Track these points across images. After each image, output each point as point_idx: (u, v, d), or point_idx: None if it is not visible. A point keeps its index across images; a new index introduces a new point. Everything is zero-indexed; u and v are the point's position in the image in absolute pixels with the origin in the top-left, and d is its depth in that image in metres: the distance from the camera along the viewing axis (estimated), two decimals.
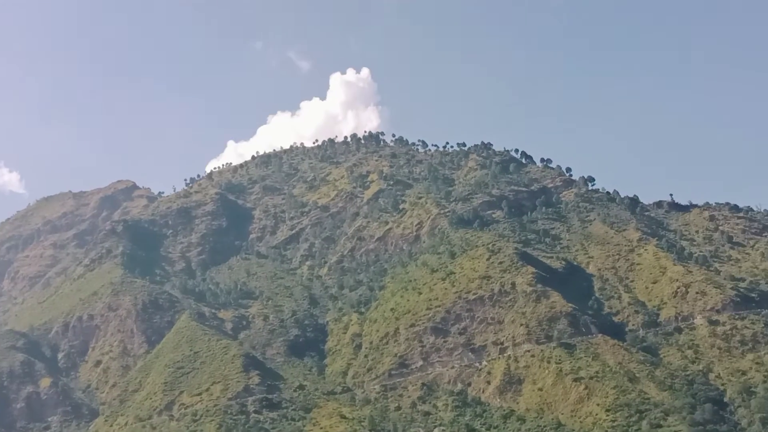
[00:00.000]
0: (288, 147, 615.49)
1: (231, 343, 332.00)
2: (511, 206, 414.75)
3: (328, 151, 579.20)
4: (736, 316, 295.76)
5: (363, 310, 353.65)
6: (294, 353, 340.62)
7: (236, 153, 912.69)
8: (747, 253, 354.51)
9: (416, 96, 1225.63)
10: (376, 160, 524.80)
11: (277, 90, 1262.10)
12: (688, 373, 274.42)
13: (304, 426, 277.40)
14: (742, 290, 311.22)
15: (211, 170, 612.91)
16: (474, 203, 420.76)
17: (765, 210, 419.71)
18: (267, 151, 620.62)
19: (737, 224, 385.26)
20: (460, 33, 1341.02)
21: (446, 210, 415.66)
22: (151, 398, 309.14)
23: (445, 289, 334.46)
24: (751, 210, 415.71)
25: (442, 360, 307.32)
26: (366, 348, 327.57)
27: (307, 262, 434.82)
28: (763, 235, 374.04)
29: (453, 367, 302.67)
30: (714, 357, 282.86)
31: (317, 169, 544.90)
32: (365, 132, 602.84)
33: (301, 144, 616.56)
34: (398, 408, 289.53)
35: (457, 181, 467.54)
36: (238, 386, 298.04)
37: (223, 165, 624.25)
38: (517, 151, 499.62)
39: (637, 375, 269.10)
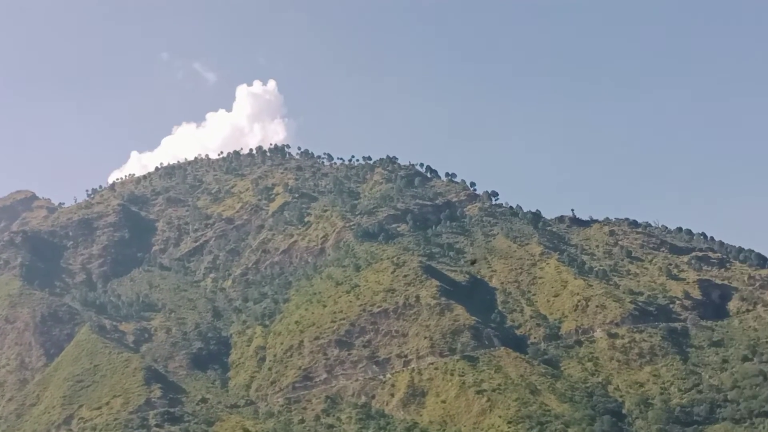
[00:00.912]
0: (192, 158, 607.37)
1: (132, 356, 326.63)
2: (415, 220, 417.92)
3: (233, 163, 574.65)
4: (635, 329, 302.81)
5: (267, 322, 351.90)
6: (197, 366, 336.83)
7: (140, 164, 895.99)
8: (645, 268, 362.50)
9: (323, 109, 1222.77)
10: (282, 173, 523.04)
11: (182, 101, 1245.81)
12: (587, 385, 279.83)
13: None
14: (640, 304, 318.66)
15: (114, 181, 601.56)
16: (379, 217, 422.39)
17: (663, 226, 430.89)
18: (171, 163, 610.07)
19: (636, 239, 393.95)
20: (366, 48, 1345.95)
21: (351, 223, 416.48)
22: (49, 412, 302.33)
23: (350, 301, 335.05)
24: (649, 225, 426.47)
25: (346, 373, 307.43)
26: (270, 361, 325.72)
27: (211, 275, 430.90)
28: (661, 250, 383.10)
29: (357, 380, 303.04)
30: (613, 369, 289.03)
31: (222, 181, 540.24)
32: (271, 144, 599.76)
33: (206, 156, 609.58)
34: (302, 421, 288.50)
35: (362, 194, 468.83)
36: (139, 399, 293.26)
37: (126, 176, 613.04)
38: (422, 165, 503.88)
39: (539, 387, 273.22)
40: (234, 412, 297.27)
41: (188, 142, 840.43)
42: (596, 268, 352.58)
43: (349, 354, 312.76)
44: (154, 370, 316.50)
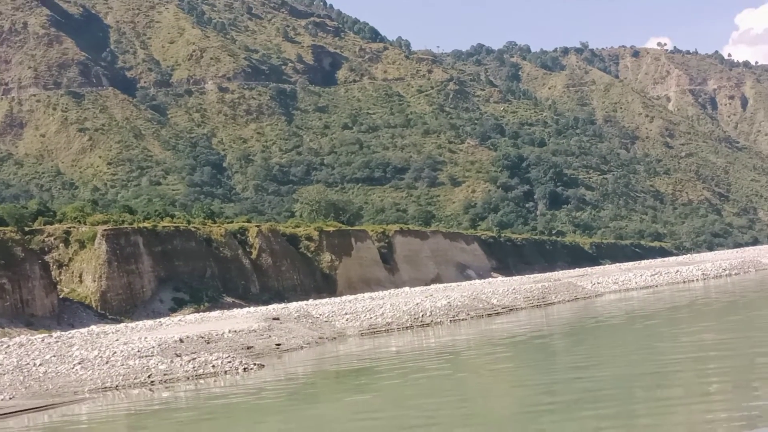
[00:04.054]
0: None
1: None
2: None
3: None
4: (245, 86, 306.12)
5: None
6: None
7: None
8: (263, 26, 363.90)
9: None
10: None
11: None
12: (193, 135, 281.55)
13: None
14: (254, 62, 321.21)
15: None
16: None
17: None
18: None
19: None
20: None
21: None
22: None
23: None
24: None
25: None
26: None
27: None
28: (281, 10, 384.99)
29: None
30: (220, 123, 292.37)
31: None
32: None
33: None
34: None
35: None
36: None
37: None
38: None
39: (143, 132, 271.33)
40: None
41: None
42: (215, 20, 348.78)
43: None
44: None
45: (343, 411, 28.32)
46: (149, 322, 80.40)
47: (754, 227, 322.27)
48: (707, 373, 26.56)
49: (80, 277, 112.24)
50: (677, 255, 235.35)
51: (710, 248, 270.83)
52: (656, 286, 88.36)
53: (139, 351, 45.13)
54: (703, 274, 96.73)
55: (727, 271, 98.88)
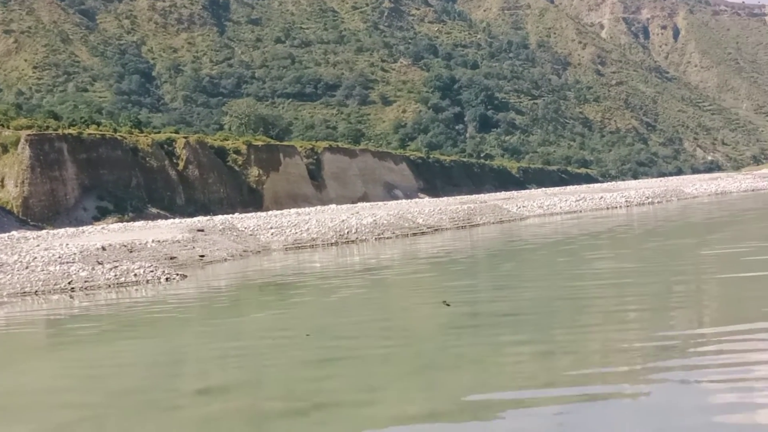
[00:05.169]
0: None
1: None
2: None
3: None
4: None
5: None
6: None
7: None
8: None
9: None
10: None
11: None
12: (122, 42, 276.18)
13: None
14: None
15: None
16: None
17: None
18: None
19: None
20: None
21: None
22: None
23: None
24: None
25: None
26: None
27: None
28: None
29: None
30: (150, 31, 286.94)
31: None
32: None
33: None
34: None
35: None
36: None
37: None
38: None
39: (71, 37, 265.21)
40: None
41: None
42: None
43: None
44: None
45: (264, 323, 28.38)
46: (71, 230, 79.56)
47: (678, 157, 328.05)
48: (625, 300, 26.97)
49: (2, 182, 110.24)
50: (603, 182, 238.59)
51: (635, 176, 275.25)
52: (580, 211, 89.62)
53: (60, 257, 44.65)
54: (626, 201, 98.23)
55: (650, 199, 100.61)
